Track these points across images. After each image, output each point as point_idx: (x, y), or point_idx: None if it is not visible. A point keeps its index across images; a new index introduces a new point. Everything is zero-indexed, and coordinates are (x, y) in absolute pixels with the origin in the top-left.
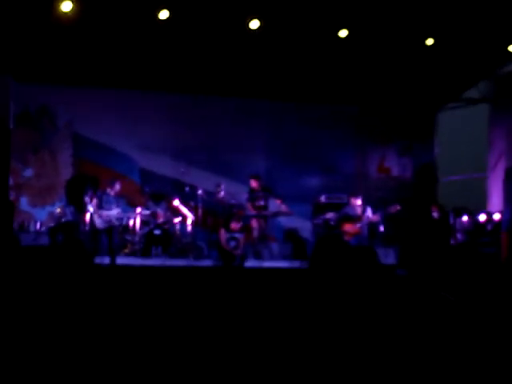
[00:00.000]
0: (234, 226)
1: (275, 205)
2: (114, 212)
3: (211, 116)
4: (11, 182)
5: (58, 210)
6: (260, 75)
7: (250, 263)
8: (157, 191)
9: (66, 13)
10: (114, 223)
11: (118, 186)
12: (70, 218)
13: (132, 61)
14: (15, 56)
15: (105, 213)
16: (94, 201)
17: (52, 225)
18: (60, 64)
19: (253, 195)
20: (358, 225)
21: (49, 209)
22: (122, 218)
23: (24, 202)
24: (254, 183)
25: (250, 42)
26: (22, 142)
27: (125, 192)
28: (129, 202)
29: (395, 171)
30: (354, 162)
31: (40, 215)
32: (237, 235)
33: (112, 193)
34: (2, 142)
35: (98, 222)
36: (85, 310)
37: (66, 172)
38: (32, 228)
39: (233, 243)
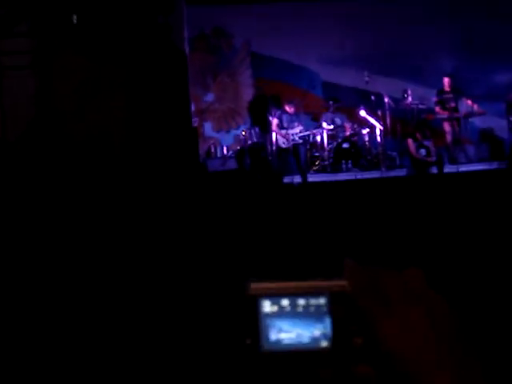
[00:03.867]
0: (419, 136)
1: (466, 105)
2: (296, 130)
3: (392, 20)
4: (193, 108)
5: (243, 133)
6: None
7: (446, 169)
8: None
9: None
10: (297, 141)
11: (297, 103)
12: (255, 139)
13: None
14: None
15: (287, 132)
16: (275, 121)
17: (238, 148)
18: None
19: (442, 98)
20: None
21: (234, 132)
22: (305, 135)
23: (208, 128)
24: (446, 82)
25: None
26: (200, 67)
27: (308, 108)
28: (313, 118)
29: None
30: None
31: (226, 139)
32: (426, 143)
33: (291, 110)
34: (180, 68)
35: (281, 142)
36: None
37: (247, 93)
38: (219, 153)
39: (423, 151)
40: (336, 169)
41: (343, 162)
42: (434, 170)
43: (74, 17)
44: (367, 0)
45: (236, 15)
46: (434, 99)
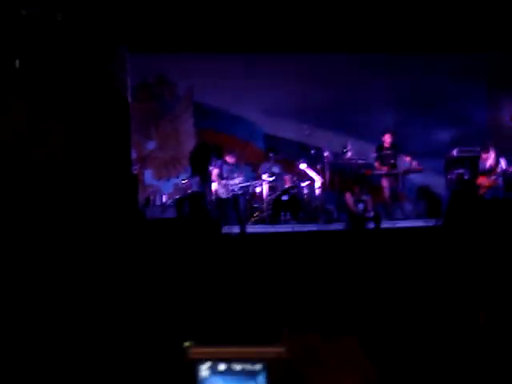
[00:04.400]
0: (358, 191)
1: (405, 162)
2: (236, 180)
3: (334, 75)
4: (134, 155)
5: (184, 182)
6: (383, 26)
7: (383, 224)
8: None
9: None
10: (237, 192)
11: (238, 154)
12: (195, 188)
13: (250, 22)
14: (128, 26)
15: (227, 182)
16: (215, 171)
17: (178, 197)
18: (175, 30)
19: (381, 153)
20: (493, 177)
21: (174, 181)
22: (245, 186)
23: (149, 176)
24: (387, 138)
25: None
26: (143, 114)
27: (249, 159)
28: (253, 169)
29: None
30: (486, 113)
31: (165, 188)
32: (364, 197)
33: (232, 161)
34: (122, 115)
35: (222, 192)
36: (214, 280)
37: (189, 142)
38: (158, 201)
39: (361, 206)
40: (274, 220)
41: (282, 213)
42: (372, 225)
43: (17, 61)
44: (310, 54)
45: (179, 64)
46: (374, 155)
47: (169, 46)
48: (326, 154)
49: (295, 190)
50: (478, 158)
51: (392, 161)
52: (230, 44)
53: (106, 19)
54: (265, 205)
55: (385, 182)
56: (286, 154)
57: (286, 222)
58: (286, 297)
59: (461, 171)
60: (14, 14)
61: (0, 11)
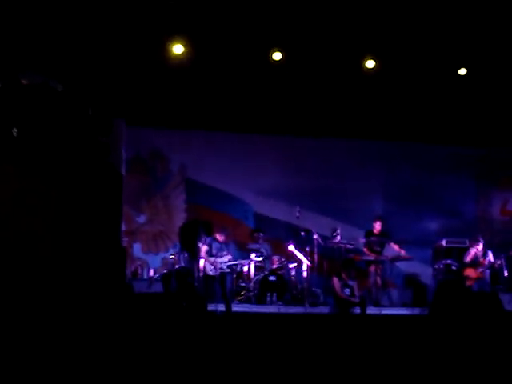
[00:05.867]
0: (345, 275)
1: (394, 250)
2: (225, 259)
3: (327, 160)
4: (124, 228)
5: (172, 257)
6: (377, 115)
7: (369, 310)
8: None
9: (177, 55)
10: (224, 270)
11: (228, 232)
12: (183, 264)
13: (246, 103)
14: (127, 100)
15: (215, 259)
16: (204, 247)
17: (165, 271)
18: (172, 107)
19: (370, 240)
20: (480, 269)
21: (162, 255)
22: (233, 265)
23: (137, 249)
24: (378, 225)
25: (365, 81)
26: (135, 188)
27: (238, 237)
28: (242, 248)
29: None
30: (476, 205)
31: (153, 262)
32: (350, 282)
33: (222, 239)
34: (114, 189)
35: (209, 269)
36: (199, 357)
37: (179, 217)
38: (145, 275)
39: (347, 291)
40: (261, 300)
41: (268, 294)
42: (357, 311)
43: (15, 130)
44: (304, 138)
45: (174, 140)
46: (363, 240)
47: (165, 122)
48: (315, 236)
49: (283, 271)
50: (466, 249)
51: (380, 248)
52: (227, 124)
53: (105, 92)
54: (252, 284)
55: (372, 269)
56: (276, 235)
57: (272, 303)
58: (267, 378)
59: (448, 262)
60: (15, 83)
61: (2, 79)
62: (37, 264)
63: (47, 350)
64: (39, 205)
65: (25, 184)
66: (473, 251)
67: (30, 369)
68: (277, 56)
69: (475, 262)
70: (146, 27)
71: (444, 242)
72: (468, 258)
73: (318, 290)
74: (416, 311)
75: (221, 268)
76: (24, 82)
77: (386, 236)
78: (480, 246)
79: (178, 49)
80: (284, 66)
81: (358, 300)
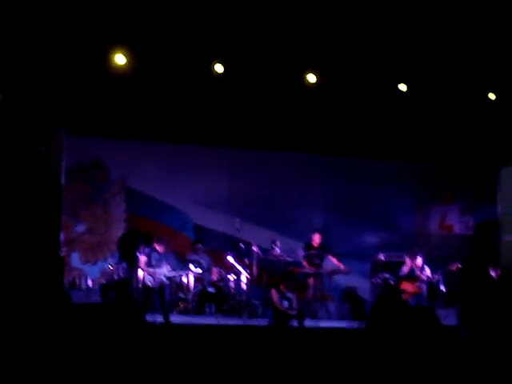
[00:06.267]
0: (283, 287)
1: (332, 263)
2: (164, 270)
3: (267, 171)
4: (62, 237)
5: (110, 267)
6: (317, 130)
7: (306, 323)
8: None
9: (119, 65)
10: (163, 281)
11: (166, 243)
12: (122, 274)
13: (186, 114)
14: (68, 109)
15: (154, 270)
16: (143, 258)
17: (104, 282)
18: (113, 117)
19: (309, 253)
20: (417, 284)
21: (101, 265)
22: (172, 276)
23: (75, 258)
24: (317, 238)
25: (307, 96)
26: (74, 196)
27: (178, 248)
28: (182, 259)
29: (457, 229)
30: (414, 220)
31: (92, 272)
32: (289, 295)
33: (161, 250)
34: (53, 196)
35: (148, 280)
36: (136, 369)
37: (118, 227)
38: (83, 285)
39: (286, 303)
40: (199, 312)
41: (207, 305)
42: (295, 323)
43: None
44: (244, 150)
45: (115, 149)
46: (302, 253)
47: (106, 131)
48: (254, 248)
49: (222, 283)
50: (404, 263)
51: (319, 261)
52: (166, 134)
53: (46, 102)
54: (190, 296)
55: (311, 281)
56: (215, 246)
57: (210, 314)
58: None
59: (386, 276)
60: None
61: None
62: None
63: None
64: None
65: None
66: (409, 264)
67: None
68: (219, 68)
69: (412, 276)
70: (89, 36)
71: (382, 256)
72: (404, 270)
73: (257, 302)
74: (353, 324)
75: (160, 279)
76: None
77: (325, 249)
78: (418, 261)
79: (119, 58)
80: (226, 78)
81: (295, 312)
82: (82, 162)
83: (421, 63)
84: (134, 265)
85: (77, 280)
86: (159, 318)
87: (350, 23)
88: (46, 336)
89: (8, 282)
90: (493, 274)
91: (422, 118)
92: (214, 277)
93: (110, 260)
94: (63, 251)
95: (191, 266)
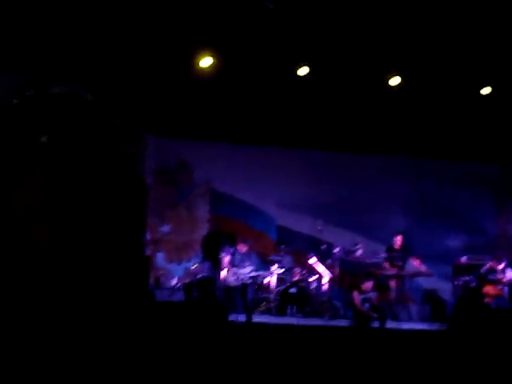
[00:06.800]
0: (366, 286)
1: (414, 265)
2: (247, 270)
3: (350, 174)
4: (148, 237)
5: (194, 266)
6: (402, 132)
7: (388, 324)
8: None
9: (205, 68)
10: (246, 281)
11: (250, 244)
12: (205, 274)
13: (272, 117)
14: (155, 111)
15: (237, 270)
16: (227, 258)
17: (188, 281)
18: (199, 119)
19: (391, 255)
20: (499, 287)
21: (185, 265)
22: (255, 276)
23: (160, 258)
24: (399, 240)
25: (391, 99)
26: (160, 198)
27: (261, 249)
28: (264, 259)
29: None
30: (497, 222)
31: (176, 271)
32: (370, 295)
33: (244, 250)
34: (140, 197)
35: (231, 280)
36: (218, 367)
37: (202, 228)
38: (168, 284)
39: (367, 305)
40: (281, 312)
41: (288, 306)
42: (376, 324)
43: (44, 137)
44: (328, 152)
45: (200, 151)
46: (384, 255)
47: (191, 133)
48: (336, 250)
49: (303, 284)
50: (487, 266)
51: (401, 263)
52: (252, 136)
53: (133, 103)
54: (272, 296)
55: (393, 283)
56: (298, 247)
57: (292, 315)
58: None
59: (468, 278)
60: (45, 91)
61: (33, 87)
62: (63, 271)
63: (70, 358)
64: (66, 213)
65: (52, 192)
66: (493, 269)
67: (53, 378)
68: (303, 71)
69: (494, 279)
70: (176, 39)
71: (464, 259)
72: (485, 270)
73: (338, 303)
74: (434, 326)
75: (242, 279)
76: (54, 90)
77: (406, 251)
78: (502, 264)
79: (206, 61)
80: (310, 80)
81: (377, 314)
82: (167, 163)
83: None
84: (217, 264)
85: (161, 279)
86: (241, 318)
87: None
88: (132, 333)
89: (95, 278)
90: None
91: (506, 121)
92: (296, 277)
93: (194, 260)
94: (149, 251)
95: (274, 267)
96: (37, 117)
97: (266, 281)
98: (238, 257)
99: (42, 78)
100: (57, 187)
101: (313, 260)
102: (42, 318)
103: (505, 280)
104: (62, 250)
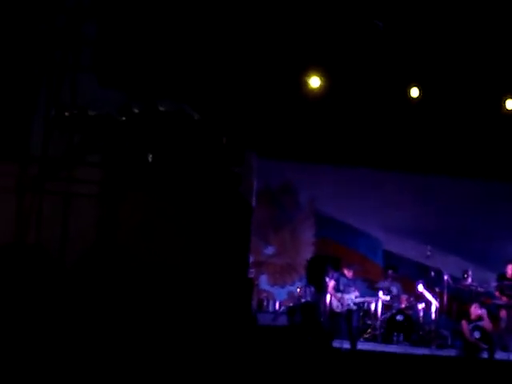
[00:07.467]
0: (474, 311)
1: None
2: (352, 295)
3: (459, 199)
4: (251, 259)
5: (298, 290)
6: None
7: (497, 355)
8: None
9: (313, 89)
10: (351, 307)
11: (356, 268)
12: (309, 298)
13: (378, 139)
14: (260, 131)
15: (342, 295)
16: (332, 283)
17: (291, 304)
18: (304, 140)
19: (502, 283)
20: None
21: (288, 288)
22: (361, 302)
23: (263, 280)
24: (510, 269)
25: (504, 121)
26: (264, 219)
27: (366, 274)
28: (370, 285)
29: None
30: None
31: (279, 294)
32: (480, 323)
33: (349, 275)
34: (244, 218)
35: (336, 305)
36: None
37: (307, 251)
38: (271, 307)
39: (477, 334)
40: (387, 340)
41: (395, 334)
42: (485, 355)
43: (150, 156)
44: (436, 176)
45: (304, 173)
46: (495, 283)
47: (295, 155)
48: (445, 277)
49: (410, 311)
50: None
51: None
52: (358, 159)
53: (239, 123)
54: (378, 323)
55: (504, 313)
56: (405, 273)
57: (398, 343)
58: None
59: None
60: (152, 109)
61: (139, 104)
62: (164, 290)
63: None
64: (170, 231)
65: (156, 210)
66: None
67: None
68: (414, 92)
69: None
70: (283, 59)
71: None
72: None
73: (446, 332)
74: None
75: (348, 304)
76: (161, 108)
77: None
78: None
79: (314, 82)
80: (421, 102)
81: (487, 345)
82: (270, 184)
83: None
84: (321, 289)
85: (264, 302)
86: (346, 344)
87: None
88: (234, 357)
89: (197, 300)
90: None
91: None
92: (403, 304)
93: (297, 283)
94: (252, 273)
95: (380, 293)
96: (144, 134)
97: (371, 307)
98: (342, 281)
99: (146, 96)
100: (161, 205)
101: (420, 287)
102: (141, 335)
103: None
104: (164, 268)
